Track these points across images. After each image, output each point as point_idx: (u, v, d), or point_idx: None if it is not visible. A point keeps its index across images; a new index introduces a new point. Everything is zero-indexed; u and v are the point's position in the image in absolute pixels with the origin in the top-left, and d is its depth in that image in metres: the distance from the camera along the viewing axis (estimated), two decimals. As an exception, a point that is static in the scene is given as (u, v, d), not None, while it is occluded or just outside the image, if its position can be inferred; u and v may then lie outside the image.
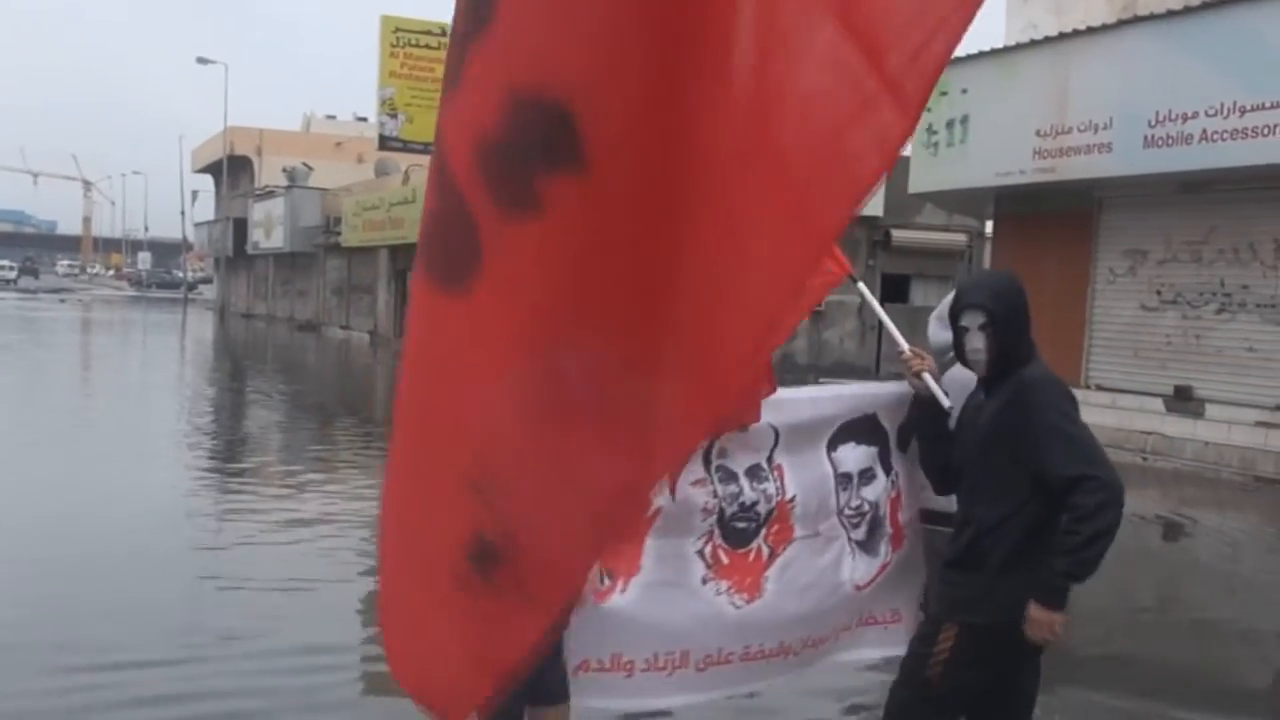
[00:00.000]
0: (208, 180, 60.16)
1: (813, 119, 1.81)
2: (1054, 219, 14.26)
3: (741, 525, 3.64)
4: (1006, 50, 14.46)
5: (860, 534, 3.72)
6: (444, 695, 2.05)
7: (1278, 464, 11.58)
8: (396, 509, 2.09)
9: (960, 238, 23.36)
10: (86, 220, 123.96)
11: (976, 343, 3.09)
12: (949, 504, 3.40)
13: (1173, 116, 11.87)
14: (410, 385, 2.08)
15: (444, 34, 27.92)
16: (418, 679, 2.09)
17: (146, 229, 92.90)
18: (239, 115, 53.51)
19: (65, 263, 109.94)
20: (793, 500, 3.68)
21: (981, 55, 14.20)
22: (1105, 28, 13.00)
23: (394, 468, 2.11)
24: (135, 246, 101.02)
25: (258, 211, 44.36)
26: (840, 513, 3.70)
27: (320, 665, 5.19)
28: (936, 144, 14.97)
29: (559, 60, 1.73)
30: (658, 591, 3.54)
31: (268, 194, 43.89)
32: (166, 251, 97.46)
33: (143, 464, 10.83)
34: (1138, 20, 12.72)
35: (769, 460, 3.67)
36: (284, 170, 42.64)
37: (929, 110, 14.70)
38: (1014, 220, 15.23)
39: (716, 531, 3.62)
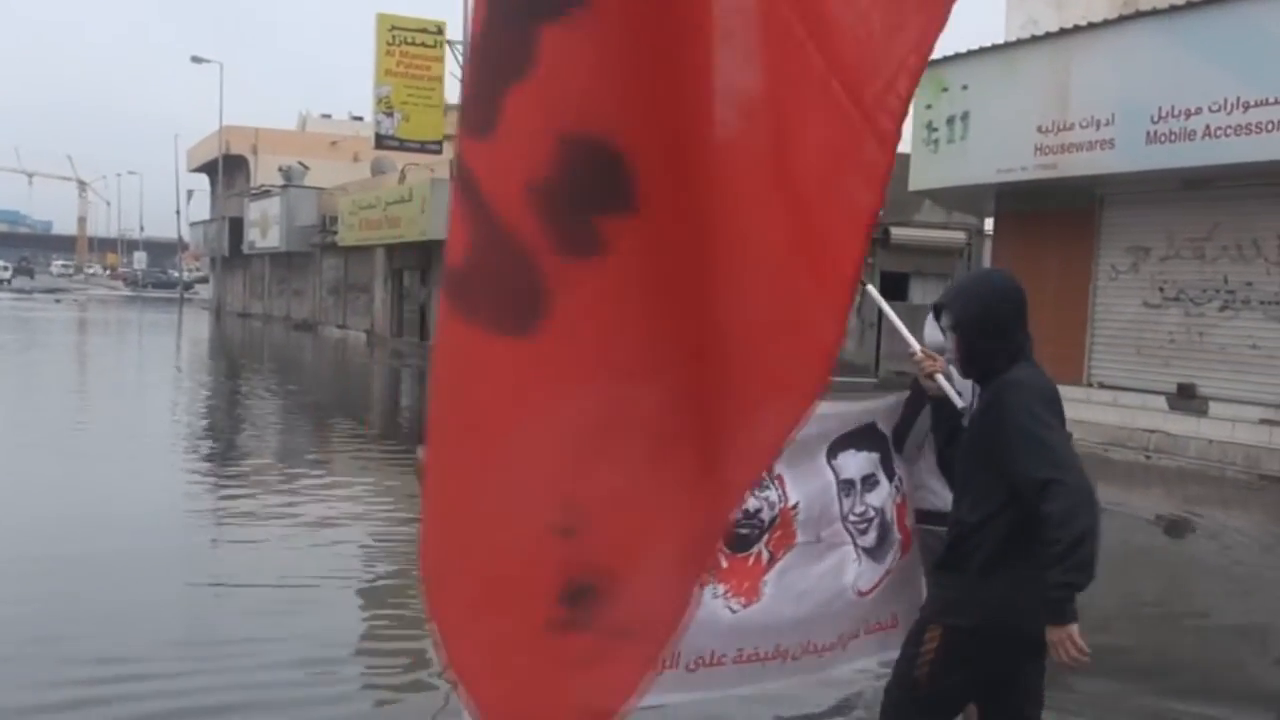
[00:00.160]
0: (203, 180, 60.02)
1: (817, 155, 1.90)
2: (1055, 216, 14.19)
3: (744, 531, 3.63)
4: (1007, 46, 14.37)
5: (869, 540, 3.71)
6: None
7: (1282, 462, 11.52)
8: (463, 570, 2.03)
9: (960, 235, 23.30)
10: (82, 220, 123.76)
11: (949, 344, 3.10)
12: (944, 503, 3.39)
13: (1175, 112, 11.79)
14: (459, 438, 2.00)
15: (440, 32, 27.87)
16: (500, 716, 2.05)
17: (142, 229, 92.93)
18: (234, 114, 53.47)
19: (60, 263, 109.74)
20: (795, 506, 3.68)
21: (982, 51, 14.12)
22: (1106, 23, 12.93)
23: (449, 529, 2.01)
24: (130, 246, 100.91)
25: (253, 211, 44.25)
26: (845, 519, 3.69)
27: (321, 661, 5.19)
28: (937, 141, 14.88)
29: (604, 104, 1.79)
30: None
31: (263, 193, 43.78)
32: (162, 251, 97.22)
33: (139, 465, 10.75)
34: (1139, 15, 12.63)
35: (769, 471, 3.63)
36: (280, 169, 42.53)
37: (929, 107, 14.65)
38: (1015, 217, 15.16)
39: None
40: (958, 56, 14.15)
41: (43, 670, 4.86)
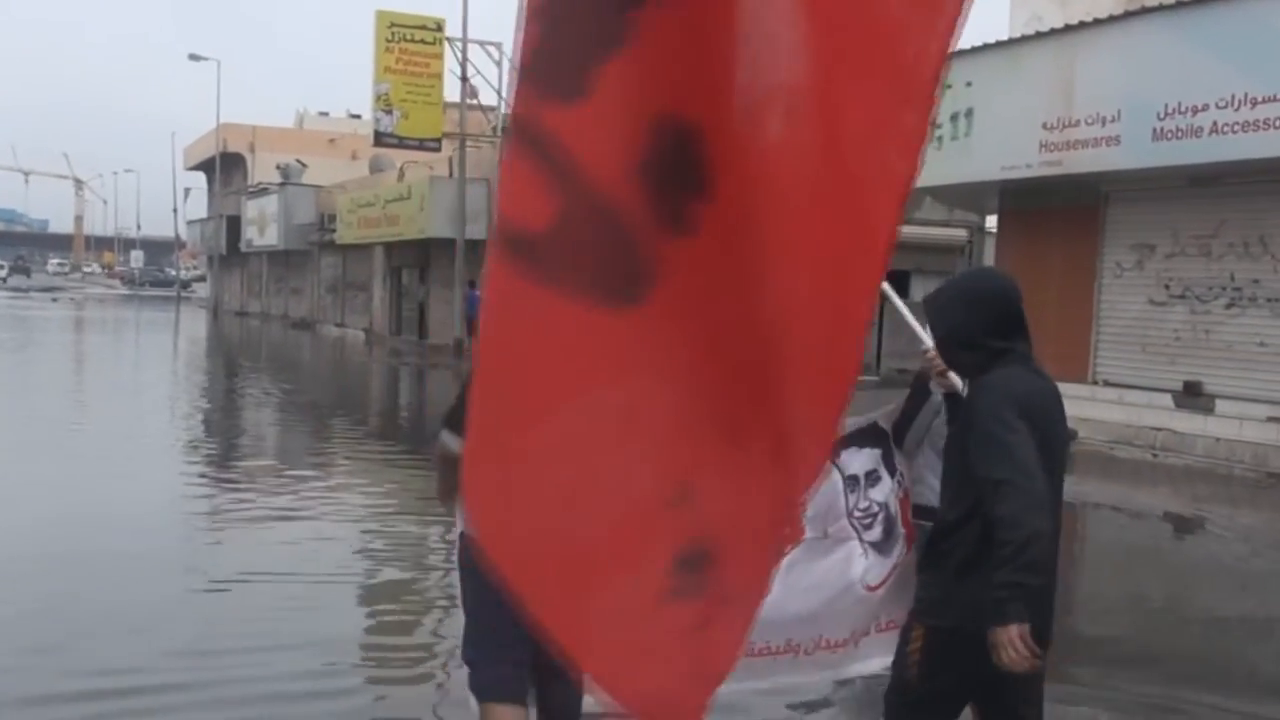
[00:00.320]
0: (200, 178, 59.90)
1: (858, 124, 1.89)
2: (1059, 213, 14.11)
3: None
4: (1011, 42, 14.30)
5: (875, 535, 3.74)
6: (664, 708, 2.06)
7: (1290, 460, 11.46)
8: (566, 552, 1.98)
9: (961, 233, 23.25)
10: (78, 219, 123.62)
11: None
12: (936, 499, 3.38)
13: (1182, 109, 11.72)
14: (546, 413, 1.92)
15: (439, 29, 27.74)
16: (634, 696, 2.05)
17: (139, 227, 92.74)
18: (231, 112, 53.32)
19: (55, 261, 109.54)
20: (801, 505, 3.67)
21: (986, 47, 14.03)
22: (1112, 19, 12.85)
23: (542, 510, 1.94)
24: (128, 245, 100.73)
25: (251, 209, 44.13)
26: (850, 515, 3.73)
27: (319, 654, 5.17)
28: (940, 137, 14.78)
29: (692, 87, 1.80)
30: None
31: (261, 191, 43.67)
32: (159, 250, 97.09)
33: (136, 465, 10.67)
34: (1145, 11, 12.56)
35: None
36: (278, 167, 42.41)
37: (933, 104, 14.55)
38: (1019, 214, 15.09)
39: None
40: (961, 53, 14.05)
41: (41, 684, 4.74)
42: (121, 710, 4.52)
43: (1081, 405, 12.56)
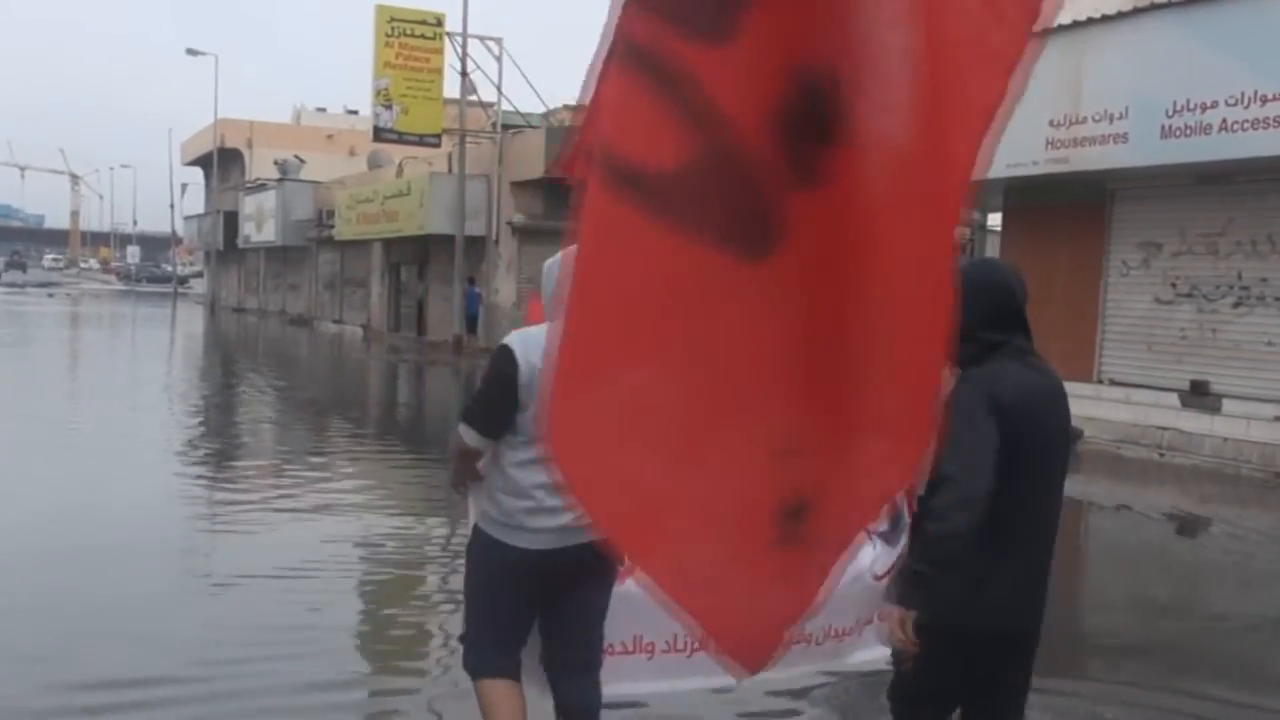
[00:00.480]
0: (197, 173, 59.75)
1: (949, 49, 1.81)
2: (1065, 211, 14.02)
3: None
4: (1017, 39, 14.17)
5: (882, 525, 3.74)
6: (746, 647, 2.09)
7: (1298, 460, 11.38)
8: (674, 503, 1.98)
9: (962, 229, 23.18)
10: (74, 214, 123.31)
11: None
12: None
13: (1190, 106, 11.63)
14: (660, 355, 1.89)
15: (439, 24, 27.61)
16: (722, 633, 2.09)
17: (135, 223, 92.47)
18: (229, 108, 53.13)
19: (51, 256, 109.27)
20: None
21: (992, 44, 13.91)
22: (1120, 15, 12.75)
23: (650, 461, 1.93)
24: (124, 240, 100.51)
25: (249, 205, 43.98)
26: None
27: (316, 649, 5.11)
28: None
29: (830, 34, 1.77)
30: None
31: (259, 187, 43.52)
32: (155, 245, 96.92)
33: (133, 462, 10.59)
34: (1154, 7, 12.45)
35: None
36: (275, 163, 42.28)
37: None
38: (1024, 212, 14.99)
39: None
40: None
41: (38, 699, 4.60)
42: (112, 705, 4.48)
43: (1087, 404, 12.47)
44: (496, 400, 3.24)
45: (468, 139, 26.48)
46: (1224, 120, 11.30)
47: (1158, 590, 7.38)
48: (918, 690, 2.99)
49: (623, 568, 3.59)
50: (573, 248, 1.83)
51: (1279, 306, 11.92)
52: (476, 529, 3.40)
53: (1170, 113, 11.79)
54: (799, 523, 1.89)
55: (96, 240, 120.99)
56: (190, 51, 46.14)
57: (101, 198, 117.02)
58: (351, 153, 46.52)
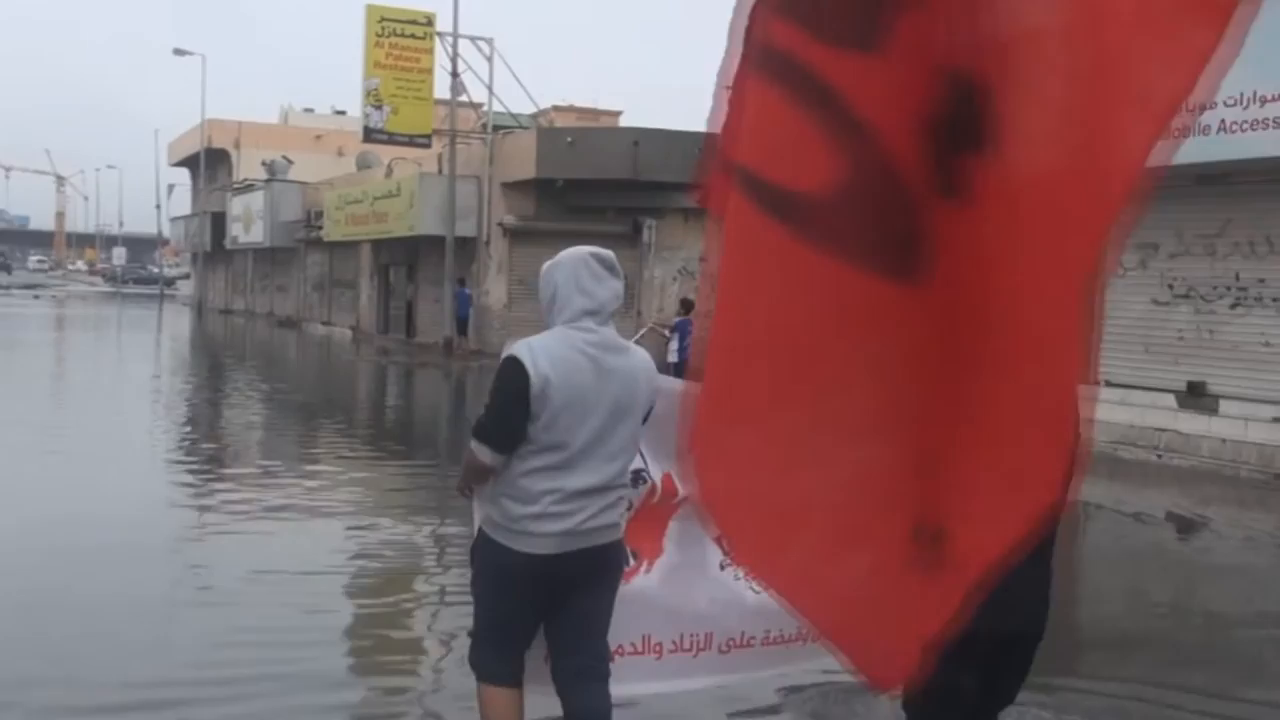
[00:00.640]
0: (184, 174, 59.43)
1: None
2: (1062, 212, 13.97)
3: None
4: (1013, 39, 14.16)
5: None
6: (879, 663, 2.05)
7: (1296, 462, 11.34)
8: (808, 523, 1.93)
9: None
10: (60, 215, 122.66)
11: None
12: None
13: (1189, 106, 11.56)
14: (805, 379, 1.89)
15: (429, 24, 27.48)
16: (855, 649, 2.04)
17: (121, 224, 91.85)
18: (216, 108, 52.85)
19: (36, 258, 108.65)
20: None
21: (988, 44, 13.89)
22: (1117, 16, 12.71)
23: (787, 480, 1.88)
24: (109, 242, 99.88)
25: (236, 205, 43.73)
26: None
27: (309, 646, 5.07)
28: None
29: (977, 40, 1.68)
30: (679, 573, 3.69)
31: (247, 188, 43.27)
32: (142, 247, 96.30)
33: (124, 465, 10.47)
34: (1151, 8, 12.42)
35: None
36: (263, 164, 42.04)
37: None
38: (1019, 213, 14.95)
39: None
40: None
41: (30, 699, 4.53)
42: (109, 705, 4.44)
43: (1084, 405, 12.41)
44: (510, 415, 3.16)
45: (458, 139, 26.34)
46: (1223, 121, 11.25)
47: (1156, 590, 7.36)
48: (926, 695, 2.88)
49: (628, 568, 3.57)
50: (708, 277, 1.76)
51: (1277, 308, 11.89)
52: (481, 533, 3.36)
53: (1168, 113, 11.73)
54: (938, 546, 1.82)
55: (82, 242, 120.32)
56: (178, 51, 45.86)
57: (87, 199, 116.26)
58: (340, 153, 46.35)
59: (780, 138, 1.71)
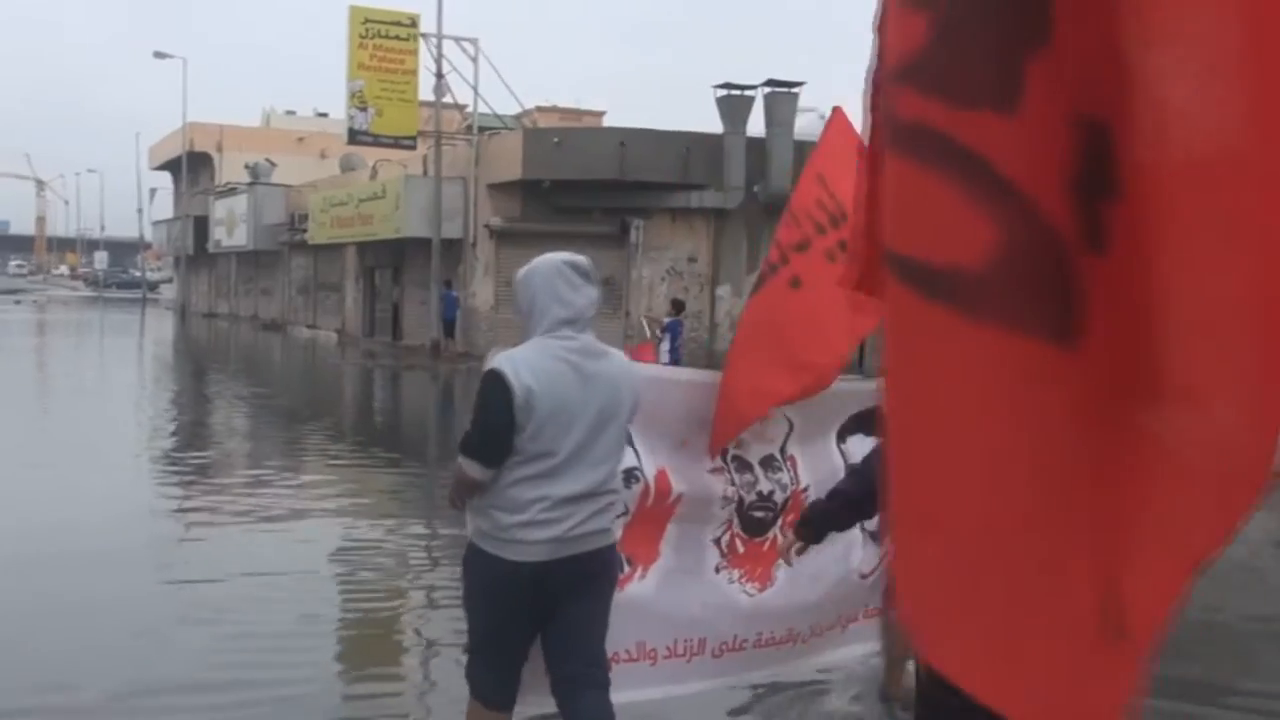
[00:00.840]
0: (166, 178, 59.05)
1: None
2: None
3: (759, 514, 3.83)
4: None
5: (874, 523, 3.80)
6: None
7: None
8: (988, 601, 1.80)
9: None
10: (40, 220, 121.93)
11: None
12: None
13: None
14: (981, 459, 1.70)
15: (413, 25, 27.35)
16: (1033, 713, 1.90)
17: (103, 228, 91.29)
18: (197, 111, 52.52)
19: (15, 263, 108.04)
20: (806, 490, 3.86)
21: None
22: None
23: (965, 554, 1.77)
24: (91, 246, 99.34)
25: (219, 209, 43.48)
26: None
27: (305, 650, 5.09)
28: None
29: (1108, 83, 1.54)
30: (674, 578, 3.71)
31: (230, 191, 43.02)
32: (123, 251, 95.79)
33: (109, 471, 10.33)
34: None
35: (782, 451, 3.86)
36: (246, 166, 41.80)
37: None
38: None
39: (735, 520, 3.80)
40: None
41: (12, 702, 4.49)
42: (105, 707, 4.43)
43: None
44: (496, 429, 3.15)
45: (443, 141, 26.22)
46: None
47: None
48: (928, 701, 2.93)
49: (622, 575, 3.55)
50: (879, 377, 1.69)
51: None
52: (472, 545, 3.34)
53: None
54: (1118, 614, 1.73)
55: (63, 246, 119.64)
56: (158, 55, 45.59)
57: (68, 203, 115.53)
58: (323, 155, 46.12)
59: (930, 214, 1.61)
